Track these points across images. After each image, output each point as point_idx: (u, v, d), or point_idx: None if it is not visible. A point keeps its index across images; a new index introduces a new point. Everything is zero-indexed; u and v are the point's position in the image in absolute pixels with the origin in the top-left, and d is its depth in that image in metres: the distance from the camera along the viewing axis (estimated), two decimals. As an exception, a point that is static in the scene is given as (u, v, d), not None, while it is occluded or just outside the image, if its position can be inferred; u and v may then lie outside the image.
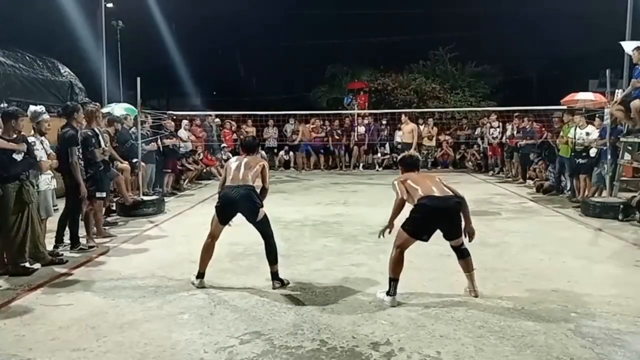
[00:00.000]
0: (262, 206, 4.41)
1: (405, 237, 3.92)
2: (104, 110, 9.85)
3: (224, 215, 4.39)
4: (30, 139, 5.12)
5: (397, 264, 3.92)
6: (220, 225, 4.43)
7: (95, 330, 3.49)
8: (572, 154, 8.91)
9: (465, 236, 4.08)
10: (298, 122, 15.60)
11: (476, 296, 4.07)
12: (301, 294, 4.21)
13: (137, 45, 21.41)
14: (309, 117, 15.94)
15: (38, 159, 5.14)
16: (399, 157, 4.60)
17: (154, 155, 9.57)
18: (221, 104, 21.46)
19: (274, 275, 4.38)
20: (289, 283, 4.43)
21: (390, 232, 4.08)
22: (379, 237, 4.13)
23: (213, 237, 4.45)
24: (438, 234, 4.05)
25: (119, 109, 10.20)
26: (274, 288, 4.30)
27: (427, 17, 24.69)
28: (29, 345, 3.28)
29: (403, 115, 13.97)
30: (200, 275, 4.41)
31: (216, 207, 4.41)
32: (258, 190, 4.49)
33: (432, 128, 15.43)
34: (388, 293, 3.93)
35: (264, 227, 4.42)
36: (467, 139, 15.67)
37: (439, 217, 3.97)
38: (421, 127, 15.71)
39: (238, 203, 4.30)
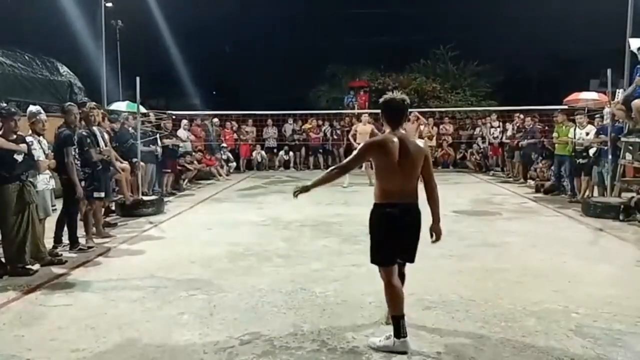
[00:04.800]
0: None
1: None
2: (111, 107, 9.95)
3: None
4: (28, 139, 5.11)
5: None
6: None
7: (95, 331, 3.47)
8: (573, 154, 8.91)
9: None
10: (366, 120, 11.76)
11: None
12: (301, 294, 4.20)
13: (136, 44, 21.41)
14: (308, 116, 15.97)
15: (36, 159, 5.13)
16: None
17: (154, 155, 9.56)
18: (221, 104, 21.46)
19: None
20: None
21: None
22: None
23: None
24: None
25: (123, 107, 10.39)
26: None
27: (427, 17, 24.66)
28: (29, 345, 3.27)
29: (364, 115, 11.77)
30: None
31: None
32: None
33: (433, 127, 15.41)
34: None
35: None
36: (468, 139, 15.68)
37: None
38: (422, 127, 15.71)
39: None
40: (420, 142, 3.26)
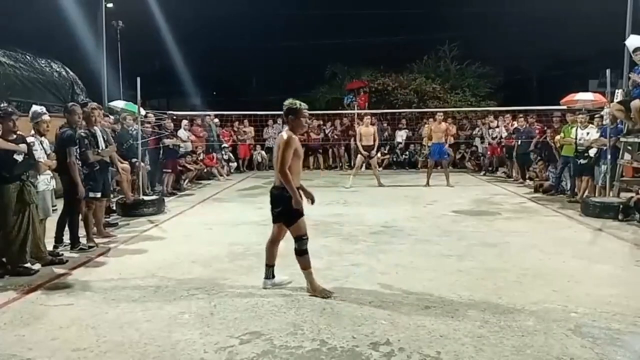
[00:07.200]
0: None
1: None
2: (112, 104, 9.96)
3: None
4: (30, 139, 5.11)
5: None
6: None
7: (95, 330, 3.49)
8: (576, 154, 8.88)
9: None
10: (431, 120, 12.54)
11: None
12: (301, 293, 4.21)
13: (137, 45, 21.46)
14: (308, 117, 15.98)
15: (36, 159, 5.13)
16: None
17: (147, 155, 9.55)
18: (221, 104, 21.49)
19: None
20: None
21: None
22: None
23: None
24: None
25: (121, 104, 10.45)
26: None
27: (427, 17, 24.73)
28: (29, 345, 3.28)
29: (366, 117, 12.00)
30: None
31: None
32: None
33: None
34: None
35: None
36: (465, 139, 15.71)
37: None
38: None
39: None
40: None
